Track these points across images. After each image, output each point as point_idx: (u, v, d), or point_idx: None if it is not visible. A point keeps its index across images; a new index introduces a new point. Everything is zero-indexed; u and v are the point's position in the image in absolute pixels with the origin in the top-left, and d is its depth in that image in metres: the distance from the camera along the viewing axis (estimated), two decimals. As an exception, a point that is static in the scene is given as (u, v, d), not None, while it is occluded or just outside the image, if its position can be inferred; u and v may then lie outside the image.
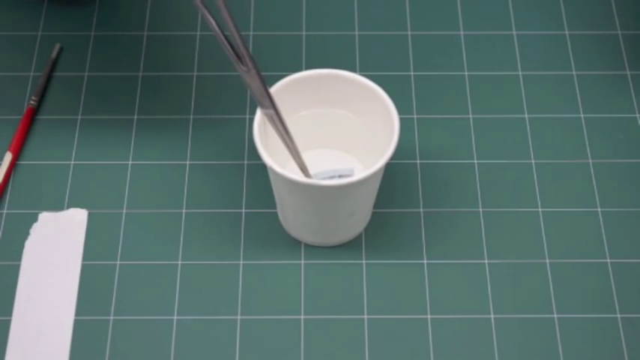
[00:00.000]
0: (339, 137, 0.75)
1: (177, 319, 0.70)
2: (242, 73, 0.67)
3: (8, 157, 0.76)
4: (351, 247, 0.73)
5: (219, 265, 0.72)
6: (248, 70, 0.67)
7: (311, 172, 0.75)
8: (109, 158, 0.77)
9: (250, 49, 0.83)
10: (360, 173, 0.68)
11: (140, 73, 0.81)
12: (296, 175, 0.68)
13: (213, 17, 0.66)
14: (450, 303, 0.71)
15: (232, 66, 0.82)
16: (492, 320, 0.70)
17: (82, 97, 0.80)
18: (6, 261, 0.73)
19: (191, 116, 0.79)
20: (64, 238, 0.73)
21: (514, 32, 0.84)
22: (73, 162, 0.77)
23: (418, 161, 0.77)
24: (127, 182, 0.76)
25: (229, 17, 0.65)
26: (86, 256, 0.73)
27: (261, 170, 0.77)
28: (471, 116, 0.80)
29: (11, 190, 0.76)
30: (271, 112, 0.68)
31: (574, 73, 0.82)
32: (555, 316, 0.70)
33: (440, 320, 0.70)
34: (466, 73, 0.82)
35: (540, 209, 0.75)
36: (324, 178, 0.70)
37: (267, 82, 0.81)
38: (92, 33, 0.84)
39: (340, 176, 0.70)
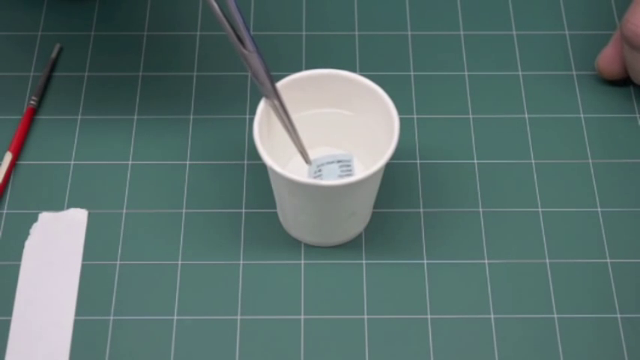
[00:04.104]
0: (339, 137, 0.75)
1: (177, 319, 0.70)
2: (244, 56, 0.68)
3: (8, 157, 0.76)
4: (351, 247, 0.73)
5: (219, 265, 0.72)
6: (250, 52, 0.67)
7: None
8: (109, 158, 0.77)
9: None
10: (360, 173, 0.68)
11: (140, 73, 0.81)
12: (296, 175, 0.68)
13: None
14: (450, 303, 0.71)
15: (232, 65, 0.82)
16: (492, 320, 0.70)
17: (82, 97, 0.80)
18: (6, 261, 0.73)
19: (191, 116, 0.79)
20: (64, 238, 0.73)
21: (514, 32, 0.84)
22: (73, 162, 0.77)
23: (418, 161, 0.77)
24: (127, 182, 0.76)
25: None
26: (86, 256, 0.73)
27: (261, 170, 0.77)
28: (471, 116, 0.80)
29: (11, 190, 0.76)
30: (273, 99, 0.68)
31: (574, 73, 0.82)
32: (555, 316, 0.70)
33: (440, 320, 0.70)
34: (466, 73, 0.82)
35: (540, 209, 0.75)
36: (323, 164, 0.70)
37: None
38: (92, 33, 0.84)
39: (339, 161, 0.70)
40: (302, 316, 0.70)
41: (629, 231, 0.74)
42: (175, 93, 0.81)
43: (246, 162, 0.77)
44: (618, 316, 0.71)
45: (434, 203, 0.75)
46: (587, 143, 0.78)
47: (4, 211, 0.75)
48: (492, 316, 0.70)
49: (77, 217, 0.74)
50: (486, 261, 0.73)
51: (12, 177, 0.76)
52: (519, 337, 0.70)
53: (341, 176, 0.71)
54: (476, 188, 0.76)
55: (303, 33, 0.84)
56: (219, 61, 0.82)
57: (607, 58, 0.79)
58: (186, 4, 0.86)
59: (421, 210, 0.75)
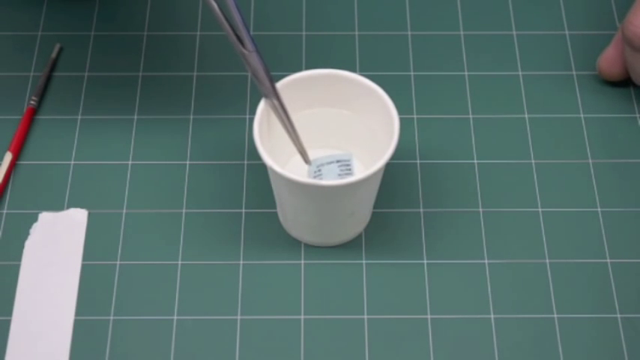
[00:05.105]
0: (339, 137, 0.75)
1: (177, 319, 0.70)
2: (243, 56, 0.68)
3: (8, 157, 0.76)
4: (351, 247, 0.73)
5: (219, 265, 0.72)
6: (250, 52, 0.68)
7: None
8: (109, 158, 0.77)
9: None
10: (360, 173, 0.68)
11: (140, 73, 0.81)
12: (296, 175, 0.68)
13: None
14: (450, 303, 0.71)
15: (232, 65, 0.82)
16: (492, 320, 0.70)
17: (82, 97, 0.80)
18: (6, 261, 0.73)
19: (191, 116, 0.79)
20: (64, 238, 0.73)
21: (514, 32, 0.84)
22: (73, 162, 0.77)
23: (418, 161, 0.77)
24: (127, 182, 0.76)
25: None
26: (86, 256, 0.73)
27: (261, 170, 0.77)
28: (471, 116, 0.80)
29: (11, 190, 0.76)
30: (272, 98, 0.69)
31: (574, 73, 0.82)
32: (555, 316, 0.70)
33: (440, 320, 0.70)
34: (466, 73, 0.82)
35: (540, 209, 0.75)
36: (322, 164, 0.70)
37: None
38: (92, 33, 0.84)
39: (339, 161, 0.70)
40: (302, 316, 0.70)
41: (629, 231, 0.74)
42: (175, 93, 0.81)
43: (246, 162, 0.77)
44: (618, 316, 0.71)
45: (434, 203, 0.75)
46: (587, 143, 0.78)
47: (4, 211, 0.75)
48: (492, 316, 0.70)
49: (77, 217, 0.74)
50: (486, 261, 0.73)
51: (12, 177, 0.76)
52: (519, 337, 0.70)
53: (340, 176, 0.71)
54: (476, 188, 0.76)
55: (303, 33, 0.84)
56: (219, 61, 0.82)
57: (608, 60, 0.79)
58: (186, 4, 0.86)
59: (421, 210, 0.75)
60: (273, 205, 0.75)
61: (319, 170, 0.70)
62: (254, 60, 0.68)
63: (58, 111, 0.80)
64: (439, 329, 0.70)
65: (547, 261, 0.73)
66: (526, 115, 0.80)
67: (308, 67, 0.82)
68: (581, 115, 0.80)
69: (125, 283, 0.72)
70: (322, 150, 0.76)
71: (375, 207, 0.75)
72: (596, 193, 0.76)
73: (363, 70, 0.82)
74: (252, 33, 0.84)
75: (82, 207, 0.75)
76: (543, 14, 0.85)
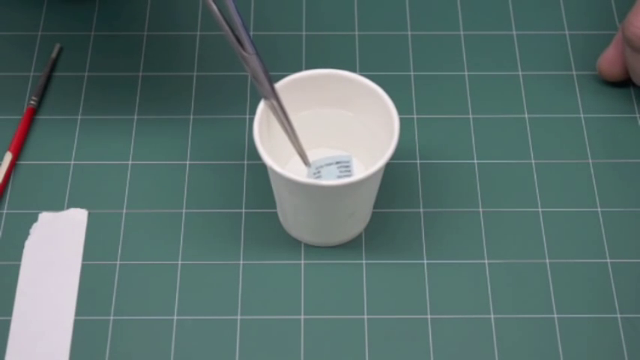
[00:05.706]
0: (339, 137, 0.75)
1: (177, 319, 0.70)
2: (243, 58, 0.68)
3: (8, 157, 0.76)
4: (351, 247, 0.73)
5: (219, 265, 0.72)
6: (249, 54, 0.68)
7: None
8: (109, 158, 0.77)
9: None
10: (359, 173, 0.68)
11: (140, 73, 0.81)
12: (296, 175, 0.68)
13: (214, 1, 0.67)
14: (450, 303, 0.71)
15: (232, 65, 0.82)
16: (492, 320, 0.70)
17: (82, 97, 0.80)
18: (6, 261, 0.73)
19: (191, 116, 0.79)
20: (64, 238, 0.73)
21: (514, 32, 0.84)
22: (73, 162, 0.77)
23: (418, 161, 0.77)
24: (127, 182, 0.76)
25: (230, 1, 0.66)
26: (86, 256, 0.73)
27: (261, 170, 0.77)
28: (471, 116, 0.80)
29: (11, 190, 0.76)
30: (272, 100, 0.69)
31: (574, 73, 0.82)
32: (555, 316, 0.70)
33: (440, 320, 0.70)
34: (466, 73, 0.82)
35: (540, 209, 0.75)
36: (322, 166, 0.70)
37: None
38: (92, 33, 0.84)
39: (338, 162, 0.70)
40: (302, 316, 0.70)
41: (629, 231, 0.74)
42: (175, 93, 0.81)
43: (246, 162, 0.77)
44: (618, 316, 0.71)
45: (434, 203, 0.75)
46: (587, 143, 0.78)
47: (4, 211, 0.75)
48: (492, 316, 0.70)
49: (77, 217, 0.74)
50: (486, 261, 0.73)
51: (12, 177, 0.76)
52: (519, 337, 0.70)
53: (340, 178, 0.71)
54: (476, 188, 0.76)
55: (303, 33, 0.84)
56: (219, 61, 0.82)
57: (608, 60, 0.79)
58: (186, 4, 0.86)
59: (421, 210, 0.75)
60: (273, 205, 0.75)
61: (318, 172, 0.70)
62: (254, 62, 0.68)
63: (58, 111, 0.80)
64: (439, 329, 0.70)
65: (547, 261, 0.73)
66: (526, 115, 0.80)
67: (308, 67, 0.82)
68: (581, 115, 0.80)
69: (125, 283, 0.72)
70: (322, 150, 0.76)
71: (375, 207, 0.75)
72: (596, 193, 0.76)
73: (363, 70, 0.82)
74: (251, 33, 0.84)
75: (82, 207, 0.75)
76: (543, 14, 0.85)
